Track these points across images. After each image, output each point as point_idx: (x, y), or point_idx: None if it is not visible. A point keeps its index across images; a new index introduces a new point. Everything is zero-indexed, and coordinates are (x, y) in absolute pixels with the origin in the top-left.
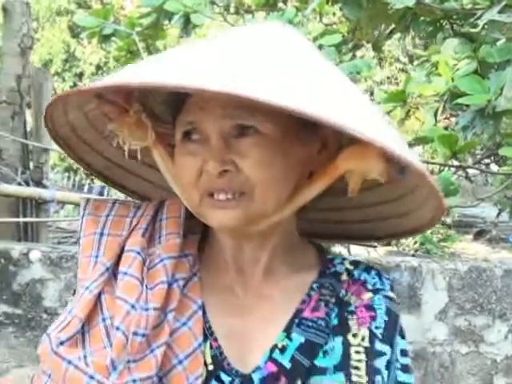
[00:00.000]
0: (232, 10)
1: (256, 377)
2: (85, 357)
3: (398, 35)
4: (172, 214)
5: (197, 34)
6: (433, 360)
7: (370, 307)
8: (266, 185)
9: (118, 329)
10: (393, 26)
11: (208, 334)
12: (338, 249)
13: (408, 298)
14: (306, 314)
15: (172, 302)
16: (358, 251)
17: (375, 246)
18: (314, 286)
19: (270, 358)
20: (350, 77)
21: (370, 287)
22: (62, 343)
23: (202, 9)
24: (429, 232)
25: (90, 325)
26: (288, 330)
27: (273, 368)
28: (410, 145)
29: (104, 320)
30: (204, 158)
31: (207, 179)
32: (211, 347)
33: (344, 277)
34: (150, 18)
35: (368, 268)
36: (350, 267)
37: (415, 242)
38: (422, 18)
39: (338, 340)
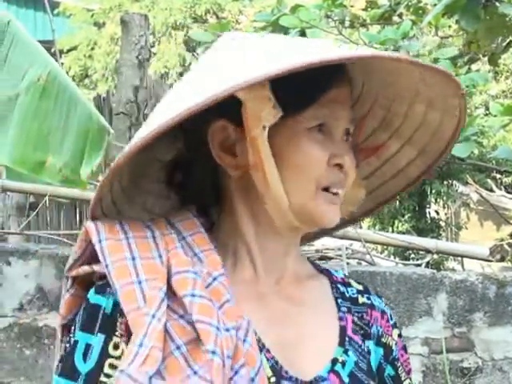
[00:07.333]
0: (347, 23)
1: None
2: None
3: None
4: (194, 230)
5: None
6: None
7: (404, 348)
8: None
9: (214, 353)
10: (510, 38)
11: (260, 346)
12: (451, 264)
13: None
14: (350, 333)
15: (236, 319)
16: (472, 266)
17: (491, 261)
18: (342, 305)
19: (332, 370)
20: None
21: (391, 322)
22: (151, 378)
23: (317, 23)
24: None
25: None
26: (344, 346)
27: (335, 380)
28: None
29: (179, 348)
30: (333, 152)
31: (330, 172)
32: (267, 359)
33: (360, 300)
34: (264, 33)
35: (368, 289)
36: (358, 287)
37: None
38: None
39: None
